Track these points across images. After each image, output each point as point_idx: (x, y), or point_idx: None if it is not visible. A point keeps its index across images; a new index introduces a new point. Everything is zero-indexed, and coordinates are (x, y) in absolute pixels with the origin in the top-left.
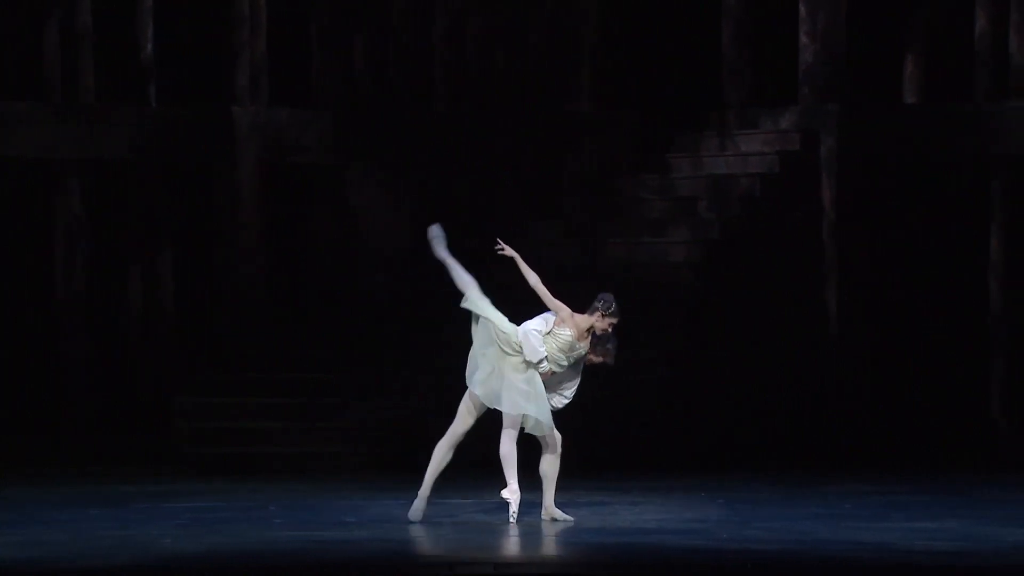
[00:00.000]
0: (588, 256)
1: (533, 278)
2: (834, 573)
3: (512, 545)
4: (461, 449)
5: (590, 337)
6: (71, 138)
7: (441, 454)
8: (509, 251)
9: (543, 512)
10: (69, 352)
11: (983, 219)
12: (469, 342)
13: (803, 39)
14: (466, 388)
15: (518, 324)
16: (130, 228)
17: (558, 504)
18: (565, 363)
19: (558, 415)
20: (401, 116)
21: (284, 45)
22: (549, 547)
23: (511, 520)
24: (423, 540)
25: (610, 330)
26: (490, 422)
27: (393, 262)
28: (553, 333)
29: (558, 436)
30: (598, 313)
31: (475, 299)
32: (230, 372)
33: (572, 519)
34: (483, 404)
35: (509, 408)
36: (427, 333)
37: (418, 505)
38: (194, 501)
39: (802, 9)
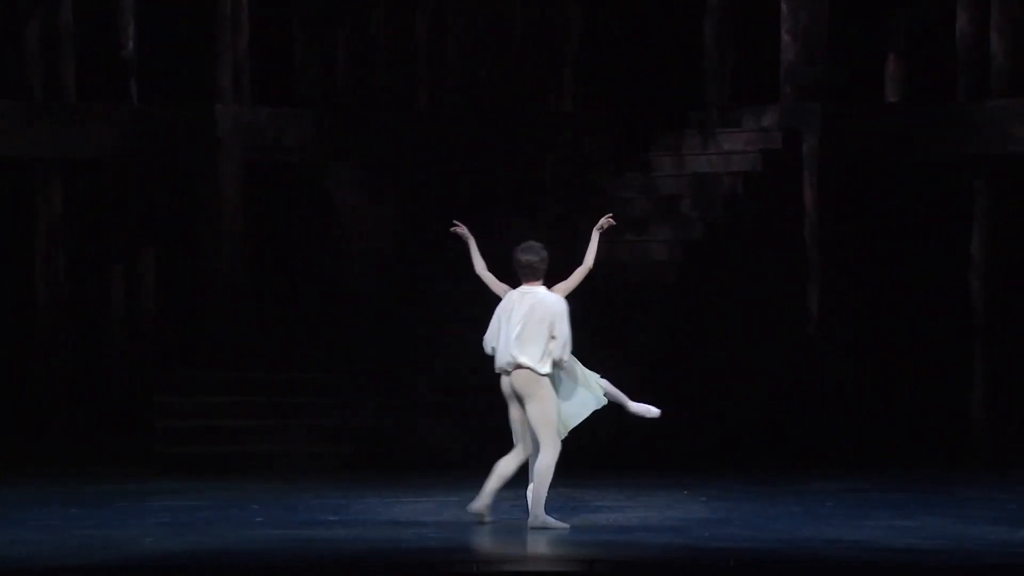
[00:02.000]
0: (570, 255)
1: (481, 264)
2: (815, 571)
3: (494, 544)
4: (447, 452)
5: None
6: (52, 137)
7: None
8: (463, 230)
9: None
10: (51, 352)
11: (965, 218)
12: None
13: (785, 38)
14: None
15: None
16: (112, 227)
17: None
18: None
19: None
20: (384, 115)
21: (266, 43)
22: (532, 546)
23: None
24: (406, 539)
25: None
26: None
27: (376, 261)
28: None
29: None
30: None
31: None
32: (212, 371)
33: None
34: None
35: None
36: (411, 332)
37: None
38: (176, 500)
39: (784, 8)
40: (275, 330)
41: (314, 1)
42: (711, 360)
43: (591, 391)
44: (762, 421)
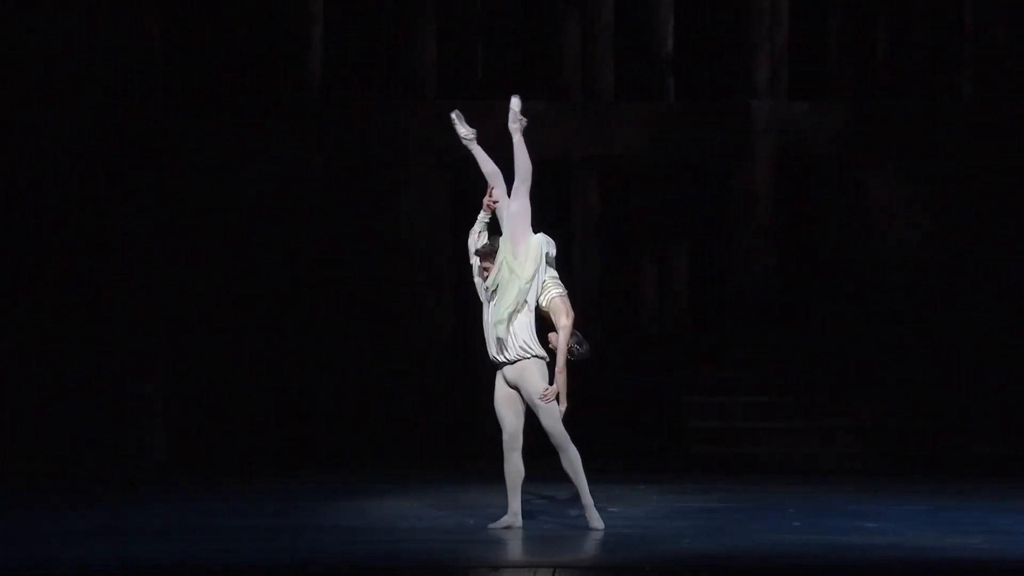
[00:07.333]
0: None
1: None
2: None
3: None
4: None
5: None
6: (588, 136)
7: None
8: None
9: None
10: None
11: None
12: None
13: None
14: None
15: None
16: (646, 224)
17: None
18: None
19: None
20: (924, 106)
21: (803, 35)
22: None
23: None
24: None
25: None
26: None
27: (910, 262)
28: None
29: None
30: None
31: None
32: (739, 371)
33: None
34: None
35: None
36: (942, 335)
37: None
38: (707, 502)
39: None
40: (801, 330)
41: None
42: None
43: None
44: None
